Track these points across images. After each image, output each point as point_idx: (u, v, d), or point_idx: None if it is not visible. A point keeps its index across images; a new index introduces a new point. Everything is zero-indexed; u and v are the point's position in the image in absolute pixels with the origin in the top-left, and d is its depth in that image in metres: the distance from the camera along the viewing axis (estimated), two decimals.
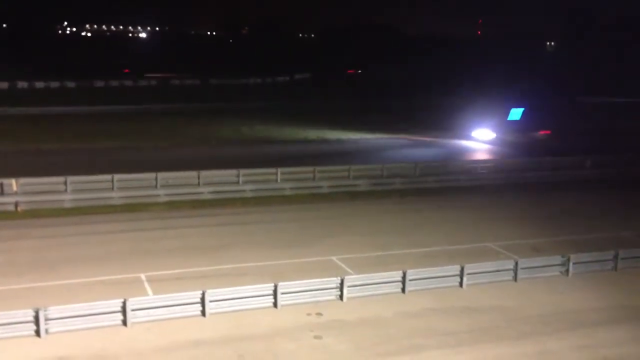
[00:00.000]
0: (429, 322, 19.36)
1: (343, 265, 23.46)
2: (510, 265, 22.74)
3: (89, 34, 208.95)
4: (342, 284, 20.40)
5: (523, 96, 65.42)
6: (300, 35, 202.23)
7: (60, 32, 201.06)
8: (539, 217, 30.75)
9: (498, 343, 18.37)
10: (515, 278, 22.57)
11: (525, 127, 53.35)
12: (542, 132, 53.51)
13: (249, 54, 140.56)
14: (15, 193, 29.49)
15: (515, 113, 54.75)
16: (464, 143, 51.25)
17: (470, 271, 21.96)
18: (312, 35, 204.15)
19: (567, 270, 23.31)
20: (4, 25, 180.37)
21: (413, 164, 37.68)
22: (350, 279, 20.77)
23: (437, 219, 30.10)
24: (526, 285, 22.37)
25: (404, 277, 21.08)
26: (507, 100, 58.74)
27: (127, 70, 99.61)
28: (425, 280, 21.42)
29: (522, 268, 22.68)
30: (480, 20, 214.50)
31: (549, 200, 34.09)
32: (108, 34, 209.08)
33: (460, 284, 21.83)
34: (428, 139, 52.33)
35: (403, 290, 21.11)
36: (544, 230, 28.45)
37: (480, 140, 51.53)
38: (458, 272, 21.86)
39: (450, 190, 35.39)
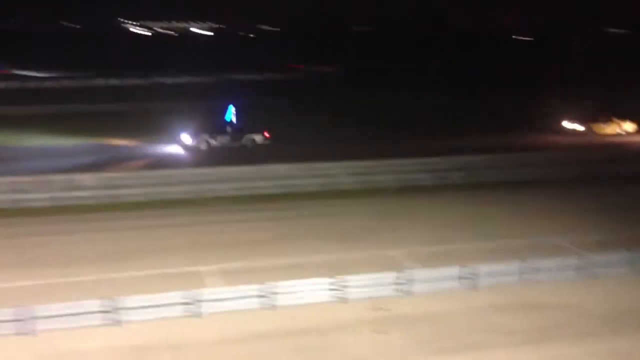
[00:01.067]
0: (493, 319, 19.19)
1: (406, 260, 23.40)
2: (576, 261, 22.26)
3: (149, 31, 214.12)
4: (406, 278, 20.44)
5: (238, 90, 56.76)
6: (355, 29, 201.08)
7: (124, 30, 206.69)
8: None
9: (564, 341, 18.05)
10: (581, 275, 22.07)
11: (239, 128, 42.78)
12: (266, 134, 42.96)
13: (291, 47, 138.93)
14: (88, 187, 30.64)
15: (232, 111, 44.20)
16: (169, 149, 41.81)
17: (534, 267, 21.62)
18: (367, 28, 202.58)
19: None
20: (77, 26, 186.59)
21: (477, 157, 37.15)
22: (414, 273, 20.78)
23: (498, 213, 29.63)
24: (593, 282, 21.84)
25: (468, 273, 20.95)
26: (225, 97, 49.23)
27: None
28: (489, 276, 21.21)
29: (589, 264, 22.16)
30: None
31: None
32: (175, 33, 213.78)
33: (525, 280, 21.50)
34: (130, 144, 43.38)
35: (469, 285, 20.96)
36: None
37: (184, 145, 41.64)
38: (522, 268, 21.55)
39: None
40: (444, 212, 29.78)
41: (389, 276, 20.58)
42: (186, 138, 41.38)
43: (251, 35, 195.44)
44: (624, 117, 50.15)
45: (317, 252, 24.17)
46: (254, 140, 42.11)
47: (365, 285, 20.25)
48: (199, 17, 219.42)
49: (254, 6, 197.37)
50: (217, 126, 42.50)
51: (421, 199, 32.07)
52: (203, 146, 40.81)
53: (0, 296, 19.65)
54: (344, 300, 19.88)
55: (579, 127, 49.63)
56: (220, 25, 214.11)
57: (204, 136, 41.25)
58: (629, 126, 49.65)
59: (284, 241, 25.40)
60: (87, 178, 31.37)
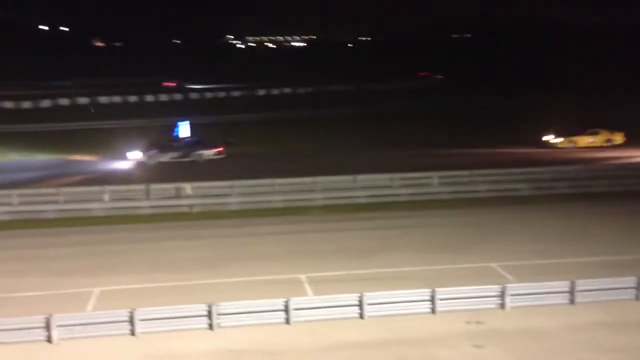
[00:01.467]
0: (598, 337, 18.12)
1: (504, 273, 22.69)
2: None
3: (248, 45, 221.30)
4: (503, 292, 19.76)
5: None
6: (454, 35, 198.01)
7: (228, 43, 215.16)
8: None
9: None
10: None
11: (190, 143, 43.45)
12: (218, 149, 43.61)
13: (400, 58, 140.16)
14: (190, 196, 31.97)
15: (183, 127, 45.01)
16: (118, 165, 42.45)
17: None
18: (468, 35, 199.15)
19: None
20: (178, 42, 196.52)
21: (581, 167, 35.48)
22: (513, 287, 20.04)
23: (608, 226, 28.11)
24: None
25: (571, 288, 19.94)
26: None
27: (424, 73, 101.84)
28: (595, 292, 20.09)
29: None
30: None
31: None
32: (272, 45, 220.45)
33: (637, 297, 20.19)
34: (89, 159, 44.11)
35: (571, 301, 19.95)
36: None
37: (133, 161, 42.36)
38: (634, 284, 20.24)
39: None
40: (547, 224, 28.62)
41: (486, 289, 19.97)
42: (134, 154, 42.42)
43: (349, 45, 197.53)
44: None
45: (415, 262, 23.88)
46: (201, 155, 42.43)
47: (461, 297, 19.74)
48: (295, 31, 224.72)
49: (348, 18, 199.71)
50: (167, 142, 43.65)
51: (522, 210, 31.02)
52: (151, 162, 41.63)
53: (109, 297, 20.86)
54: (439, 312, 19.47)
55: None
56: (313, 37, 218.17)
57: (152, 152, 42.15)
58: None
59: (382, 251, 25.25)
60: (187, 187, 32.58)
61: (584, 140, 46.16)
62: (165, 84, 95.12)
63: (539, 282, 20.36)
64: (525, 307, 19.76)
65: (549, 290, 20.01)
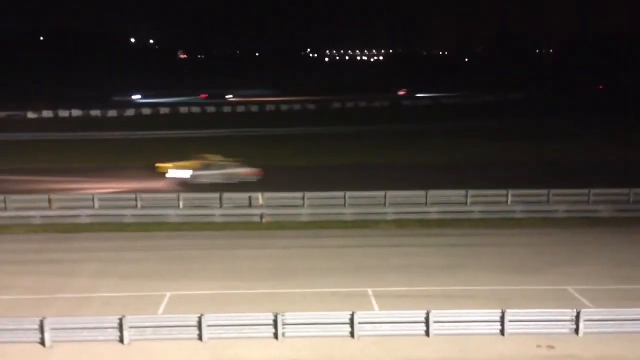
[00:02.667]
0: None
1: (579, 297, 21.75)
2: None
3: (327, 59, 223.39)
4: (578, 317, 18.93)
5: None
6: (538, 51, 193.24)
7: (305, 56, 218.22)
8: None
9: None
10: None
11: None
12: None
13: (484, 72, 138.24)
14: (262, 206, 32.46)
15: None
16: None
17: None
18: (551, 51, 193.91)
19: None
20: (257, 54, 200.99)
21: None
22: (589, 312, 19.18)
23: None
24: None
25: None
26: None
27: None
28: None
29: None
30: None
31: None
32: (347, 58, 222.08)
33: None
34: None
35: None
36: None
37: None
38: None
39: None
40: (632, 248, 27.33)
41: (559, 312, 19.19)
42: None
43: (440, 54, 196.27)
44: None
45: (487, 282, 23.31)
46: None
47: (533, 320, 19.07)
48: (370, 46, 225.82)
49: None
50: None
51: (605, 232, 29.72)
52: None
53: (180, 302, 21.44)
54: (509, 334, 18.87)
55: None
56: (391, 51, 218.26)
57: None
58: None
59: (453, 268, 24.81)
60: (259, 197, 33.09)
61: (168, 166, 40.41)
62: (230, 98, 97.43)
63: (616, 308, 19.42)
64: (601, 334, 18.87)
65: (628, 317, 19.02)
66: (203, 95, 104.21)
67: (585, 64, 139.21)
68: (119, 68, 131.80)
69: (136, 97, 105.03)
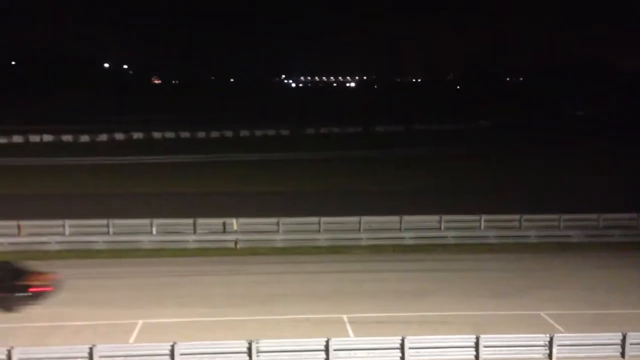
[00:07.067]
0: None
1: (552, 322, 21.95)
2: None
3: (300, 85, 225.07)
4: (551, 342, 19.09)
5: None
6: (508, 79, 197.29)
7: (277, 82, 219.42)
8: None
9: None
10: None
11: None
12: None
13: (454, 99, 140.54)
14: (236, 231, 32.27)
15: None
16: None
17: None
18: (520, 79, 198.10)
19: None
20: (232, 80, 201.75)
21: (635, 215, 34.27)
22: (561, 337, 19.36)
23: None
24: None
25: (623, 340, 19.11)
26: None
27: None
28: None
29: None
30: None
31: None
32: (320, 85, 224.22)
33: None
34: None
35: (622, 354, 19.12)
36: None
37: None
38: None
39: None
40: (603, 273, 27.72)
41: (533, 337, 19.37)
42: None
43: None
44: None
45: (461, 307, 23.43)
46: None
47: (507, 345, 19.20)
48: (346, 72, 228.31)
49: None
50: None
51: (576, 257, 30.14)
52: None
53: (152, 330, 21.11)
54: (483, 359, 18.94)
55: None
56: (366, 77, 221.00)
57: None
58: None
59: (428, 294, 24.90)
60: (234, 222, 32.90)
61: None
62: None
63: (588, 333, 19.63)
64: (574, 358, 19.05)
65: (600, 342, 19.27)
66: None
67: (554, 90, 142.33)
68: (91, 92, 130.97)
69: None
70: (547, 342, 19.15)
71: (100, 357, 18.07)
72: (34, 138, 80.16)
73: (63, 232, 31.93)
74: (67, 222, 32.39)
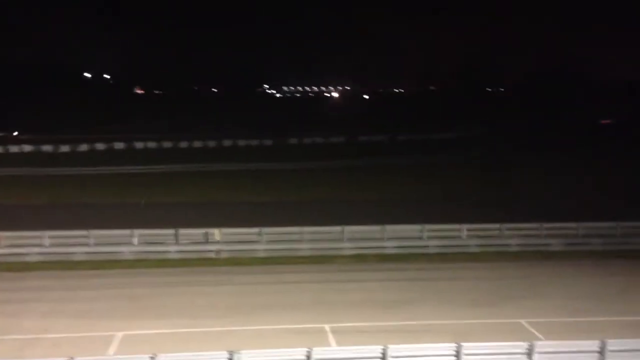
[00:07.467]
0: None
1: (532, 330, 22.10)
2: None
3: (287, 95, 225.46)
4: (531, 349, 19.19)
5: None
6: (489, 89, 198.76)
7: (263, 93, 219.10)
8: None
9: None
10: None
11: None
12: None
13: (437, 109, 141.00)
14: (218, 242, 32.11)
15: None
16: None
17: None
18: (501, 89, 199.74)
19: None
20: (215, 90, 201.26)
21: (615, 224, 34.63)
22: (542, 344, 19.48)
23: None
24: None
25: (602, 348, 19.27)
26: None
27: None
28: (627, 352, 19.37)
29: None
30: None
31: None
32: (310, 94, 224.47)
33: None
34: None
35: None
36: None
37: None
38: None
39: None
40: (583, 281, 27.96)
41: (513, 345, 19.42)
42: None
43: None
44: None
45: (443, 316, 23.52)
46: None
47: (488, 353, 19.23)
48: (329, 82, 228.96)
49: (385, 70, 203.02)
50: None
51: (556, 265, 30.34)
52: None
53: (132, 342, 20.90)
54: None
55: None
56: (347, 87, 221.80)
57: None
58: None
59: (410, 303, 24.92)
60: (216, 232, 32.75)
61: None
62: None
63: (568, 341, 19.77)
64: None
65: (579, 349, 19.37)
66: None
67: (540, 100, 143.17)
68: (72, 102, 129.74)
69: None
70: (527, 350, 19.22)
71: None
72: (13, 149, 79.46)
73: (42, 243, 31.57)
74: (47, 233, 32.04)
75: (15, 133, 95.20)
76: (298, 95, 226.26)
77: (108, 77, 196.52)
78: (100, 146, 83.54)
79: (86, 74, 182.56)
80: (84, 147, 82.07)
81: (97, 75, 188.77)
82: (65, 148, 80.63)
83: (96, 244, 31.66)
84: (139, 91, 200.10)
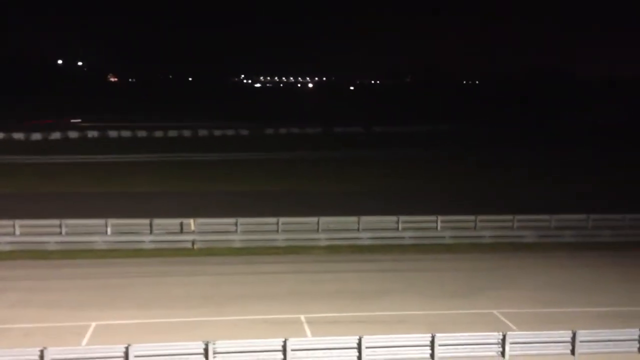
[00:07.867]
0: None
1: (505, 320, 22.40)
2: None
3: (259, 85, 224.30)
4: (504, 339, 19.44)
5: None
6: (465, 82, 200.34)
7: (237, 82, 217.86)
8: None
9: None
10: None
11: None
12: None
13: (412, 102, 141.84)
14: (193, 232, 31.91)
15: None
16: None
17: None
18: (477, 82, 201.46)
19: None
20: (190, 79, 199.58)
21: (586, 216, 35.19)
22: (514, 335, 19.75)
23: (614, 276, 27.80)
24: None
25: (573, 338, 19.61)
26: None
27: None
28: (597, 343, 19.75)
29: None
30: None
31: None
32: (281, 85, 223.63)
33: (634, 350, 19.82)
34: None
35: (572, 352, 19.60)
36: None
37: None
38: (637, 337, 19.89)
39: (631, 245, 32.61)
40: (555, 272, 28.35)
41: (486, 336, 19.65)
42: None
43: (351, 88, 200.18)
44: None
45: (418, 307, 23.67)
46: None
47: (461, 343, 19.43)
48: (305, 73, 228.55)
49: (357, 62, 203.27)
50: None
51: (529, 256, 30.76)
52: None
53: (105, 332, 20.71)
54: (438, 358, 19.13)
55: None
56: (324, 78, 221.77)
57: None
58: None
59: (384, 294, 25.05)
60: (191, 223, 32.52)
61: None
62: None
63: (540, 331, 20.08)
64: (526, 355, 19.43)
65: (551, 339, 19.69)
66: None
67: (509, 96, 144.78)
68: (45, 90, 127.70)
69: (75, 121, 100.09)
70: (500, 340, 19.47)
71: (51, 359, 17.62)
72: None
73: (13, 232, 31.04)
74: (17, 222, 31.50)
75: None
76: (269, 85, 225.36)
77: (81, 63, 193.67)
78: (73, 134, 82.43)
79: (59, 61, 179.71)
80: (56, 135, 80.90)
81: (70, 63, 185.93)
82: (37, 136, 79.35)
83: (68, 234, 31.22)
84: (112, 79, 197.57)
